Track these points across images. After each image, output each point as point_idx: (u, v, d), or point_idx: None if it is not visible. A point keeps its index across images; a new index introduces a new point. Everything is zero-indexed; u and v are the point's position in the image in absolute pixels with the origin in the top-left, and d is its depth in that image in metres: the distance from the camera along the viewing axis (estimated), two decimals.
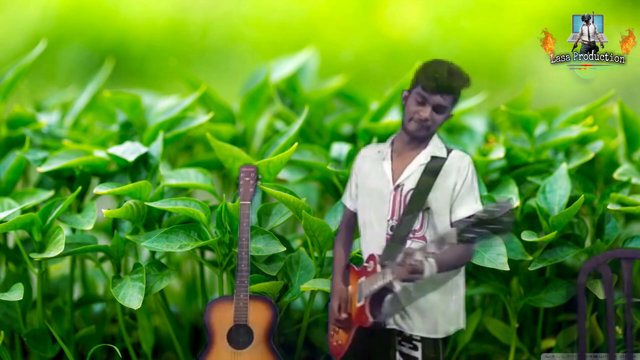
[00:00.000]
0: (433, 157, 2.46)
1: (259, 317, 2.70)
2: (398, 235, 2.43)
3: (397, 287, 2.39)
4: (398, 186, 2.46)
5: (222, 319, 2.70)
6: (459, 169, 2.45)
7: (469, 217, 2.39)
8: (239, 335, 2.70)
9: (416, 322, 2.46)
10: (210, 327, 2.70)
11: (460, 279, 2.48)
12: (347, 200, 2.59)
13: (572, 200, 2.81)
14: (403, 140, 2.48)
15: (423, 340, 2.45)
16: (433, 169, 2.43)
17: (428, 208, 2.44)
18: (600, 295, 2.72)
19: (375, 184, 2.49)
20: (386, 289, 2.39)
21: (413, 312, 2.45)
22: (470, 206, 2.44)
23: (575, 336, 2.89)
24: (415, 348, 2.44)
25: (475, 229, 2.27)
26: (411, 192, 2.43)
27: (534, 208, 2.87)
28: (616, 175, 2.94)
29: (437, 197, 2.44)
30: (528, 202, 2.91)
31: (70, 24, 6.41)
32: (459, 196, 2.44)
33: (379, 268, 2.42)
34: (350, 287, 2.53)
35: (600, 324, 2.94)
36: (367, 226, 2.51)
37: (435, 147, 2.47)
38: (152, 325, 2.95)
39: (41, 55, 3.28)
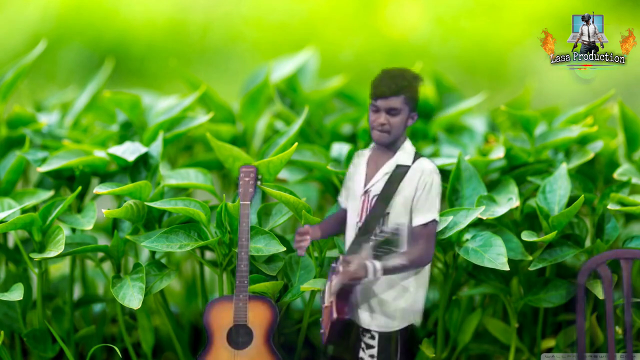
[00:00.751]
0: (398, 166, 2.58)
1: (258, 317, 2.70)
2: (358, 239, 2.57)
3: (357, 286, 2.55)
4: (366, 191, 2.60)
5: (221, 319, 2.70)
6: (420, 178, 2.57)
7: (425, 224, 2.57)
8: (239, 335, 2.70)
9: (371, 318, 2.61)
10: (210, 327, 2.70)
11: (414, 279, 2.61)
12: (340, 198, 2.72)
13: (572, 200, 2.81)
14: (379, 148, 2.63)
15: (378, 332, 2.61)
16: (397, 177, 2.56)
17: (388, 213, 2.57)
18: (600, 295, 2.72)
19: (354, 188, 2.63)
20: (347, 288, 2.53)
21: (366, 309, 2.61)
22: (426, 215, 2.56)
23: (575, 336, 2.89)
24: (372, 338, 2.61)
25: (379, 248, 2.50)
26: (375, 198, 2.57)
27: (534, 208, 2.87)
28: (616, 175, 2.94)
29: (398, 203, 2.57)
30: (528, 202, 2.92)
31: (70, 24, 6.41)
32: (419, 204, 2.57)
33: (341, 269, 2.54)
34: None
35: (600, 324, 2.94)
36: (347, 227, 2.65)
37: (403, 154, 2.59)
38: (152, 325, 2.95)
39: (41, 55, 3.28)
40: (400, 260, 2.52)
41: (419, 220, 2.57)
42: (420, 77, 2.59)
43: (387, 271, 2.52)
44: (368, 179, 2.61)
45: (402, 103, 2.57)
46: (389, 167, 2.59)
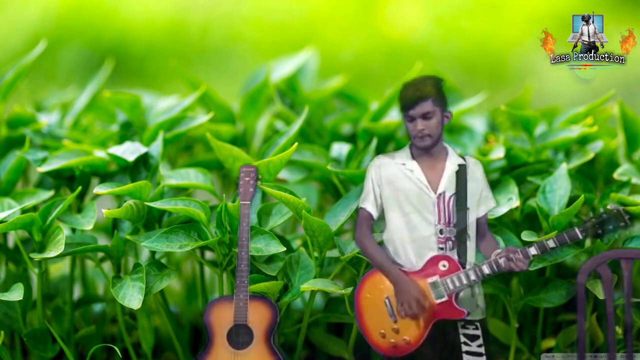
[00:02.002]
0: (459, 165, 2.71)
1: (259, 317, 2.70)
2: (461, 236, 2.68)
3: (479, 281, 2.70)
4: (440, 194, 2.68)
5: (222, 319, 2.70)
6: (479, 173, 2.74)
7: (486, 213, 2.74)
8: (239, 335, 2.70)
9: (476, 309, 2.71)
10: (210, 327, 2.70)
11: None
12: (370, 206, 2.73)
13: (572, 200, 2.81)
14: (420, 152, 2.72)
15: (480, 320, 2.71)
16: (462, 175, 2.70)
17: (468, 208, 2.71)
18: (600, 295, 2.72)
19: (414, 193, 2.69)
20: (469, 285, 2.68)
21: (473, 301, 2.72)
22: (491, 202, 2.76)
23: (575, 336, 2.89)
24: (477, 328, 2.70)
25: (603, 227, 2.70)
26: (454, 197, 2.69)
27: (534, 208, 2.87)
28: (616, 175, 2.94)
29: (472, 198, 2.72)
30: (528, 202, 2.91)
31: (70, 24, 6.41)
32: (482, 196, 2.74)
33: (459, 266, 2.66)
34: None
35: (600, 324, 2.94)
36: (409, 231, 2.68)
37: (454, 154, 2.72)
38: (152, 325, 2.95)
39: (41, 55, 3.28)
40: (527, 246, 2.69)
41: (484, 209, 2.74)
42: (440, 78, 2.73)
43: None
44: (433, 182, 2.69)
45: (432, 105, 2.68)
46: (452, 167, 2.71)
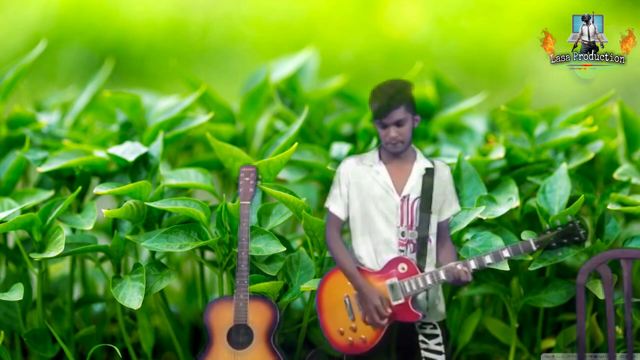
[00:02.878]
0: (426, 169, 2.71)
1: (259, 317, 2.70)
2: (422, 239, 2.68)
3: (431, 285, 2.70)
4: (404, 197, 2.68)
5: (222, 319, 2.70)
6: (446, 178, 2.74)
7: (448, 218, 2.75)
8: (239, 335, 2.70)
9: (433, 312, 2.73)
10: (210, 327, 2.70)
11: None
12: (338, 208, 2.73)
13: (572, 200, 2.81)
14: (389, 154, 2.72)
15: (438, 321, 2.74)
16: (429, 179, 2.70)
17: (431, 212, 2.71)
18: (600, 295, 2.72)
19: (379, 195, 2.70)
20: (426, 289, 2.68)
21: (430, 304, 2.73)
22: (454, 207, 2.76)
23: (575, 336, 2.89)
24: (435, 327, 2.72)
25: (556, 240, 2.72)
26: (418, 201, 2.69)
27: (534, 208, 2.87)
28: (616, 175, 2.94)
29: (436, 202, 2.72)
30: (528, 202, 2.91)
31: (70, 24, 6.41)
32: (447, 200, 2.74)
33: (418, 270, 2.67)
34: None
35: (600, 324, 2.94)
36: (372, 233, 2.70)
37: (421, 158, 2.73)
38: (152, 325, 2.95)
39: (41, 55, 3.28)
40: (482, 255, 2.69)
41: (447, 214, 2.74)
42: (409, 83, 2.71)
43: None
44: (398, 185, 2.69)
45: (404, 112, 2.68)
46: (419, 171, 2.71)
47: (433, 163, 2.72)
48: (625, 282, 2.70)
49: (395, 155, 2.70)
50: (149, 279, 2.79)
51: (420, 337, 2.71)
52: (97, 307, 3.29)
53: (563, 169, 2.88)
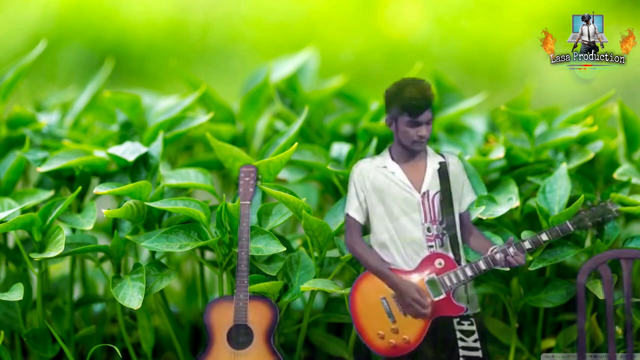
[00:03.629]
0: (440, 163, 2.71)
1: (259, 317, 2.70)
2: (451, 233, 2.70)
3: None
4: (424, 193, 2.68)
5: (222, 319, 2.70)
6: (459, 168, 2.74)
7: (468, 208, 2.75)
8: (239, 335, 2.70)
9: (471, 304, 2.72)
10: (210, 327, 2.70)
11: None
12: (356, 213, 2.72)
13: (572, 200, 2.81)
14: (403, 153, 2.71)
15: (474, 315, 2.72)
16: (444, 172, 2.71)
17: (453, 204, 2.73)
18: (600, 295, 2.72)
19: (399, 194, 2.69)
20: (465, 282, 2.69)
21: (470, 296, 2.74)
22: (471, 197, 2.76)
23: (575, 336, 2.89)
24: (472, 324, 2.71)
25: (592, 219, 2.71)
26: (438, 195, 2.70)
27: (534, 208, 2.87)
28: (616, 175, 2.94)
29: (456, 194, 2.73)
30: (528, 202, 2.91)
31: (70, 24, 6.41)
32: (464, 190, 2.74)
33: (455, 264, 2.67)
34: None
35: (600, 324, 2.94)
36: (398, 233, 2.69)
37: (434, 154, 2.73)
38: (152, 325, 2.95)
39: (41, 55, 3.28)
40: (520, 240, 2.69)
41: (466, 204, 2.75)
42: (427, 81, 2.71)
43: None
44: (416, 182, 2.69)
45: (431, 111, 2.69)
46: (433, 165, 2.71)
47: (443, 156, 2.73)
48: (625, 282, 2.70)
49: (408, 154, 2.70)
50: (149, 279, 2.79)
51: (458, 335, 2.69)
52: (97, 307, 3.29)
53: (563, 169, 2.88)
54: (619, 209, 2.71)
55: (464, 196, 2.74)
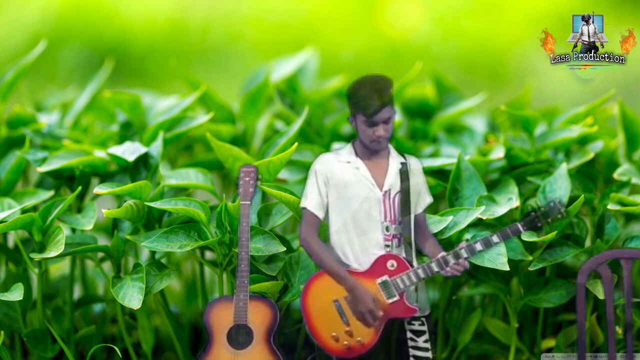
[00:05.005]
0: (402, 163, 2.70)
1: (259, 317, 2.70)
2: (405, 234, 2.67)
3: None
4: (386, 192, 2.66)
5: (222, 319, 2.70)
6: (418, 169, 2.72)
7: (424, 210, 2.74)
8: (239, 335, 2.70)
9: (422, 304, 2.69)
10: (210, 327, 2.70)
11: None
12: (316, 207, 2.69)
13: (572, 200, 2.81)
14: (365, 150, 2.69)
15: (426, 316, 2.70)
16: (404, 173, 2.69)
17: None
18: (600, 295, 2.72)
19: (361, 191, 2.67)
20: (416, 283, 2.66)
21: (420, 297, 2.70)
22: (428, 199, 2.73)
23: (575, 336, 2.89)
24: (423, 324, 2.69)
25: (541, 219, 2.67)
26: (399, 195, 2.67)
27: (534, 208, 2.86)
28: (616, 175, 2.94)
29: (415, 194, 2.71)
30: (528, 202, 2.91)
31: (70, 24, 6.41)
32: (421, 193, 2.72)
33: (408, 265, 2.64)
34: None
35: (600, 324, 2.94)
36: (356, 230, 2.66)
37: (396, 154, 2.71)
38: (152, 325, 2.95)
39: (41, 55, 3.28)
40: (472, 242, 2.66)
41: (423, 205, 2.73)
42: (389, 78, 2.67)
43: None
44: (379, 180, 2.67)
45: (390, 109, 2.66)
46: (395, 165, 2.69)
47: (404, 157, 2.71)
48: (625, 282, 2.70)
49: (370, 152, 2.68)
50: (149, 279, 2.79)
51: (409, 335, 2.68)
52: (97, 307, 3.29)
53: (563, 169, 2.88)
54: (567, 209, 2.69)
55: (421, 199, 2.71)
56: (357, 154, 2.69)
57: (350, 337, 2.64)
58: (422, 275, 2.63)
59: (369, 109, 2.63)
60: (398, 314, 2.64)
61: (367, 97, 2.63)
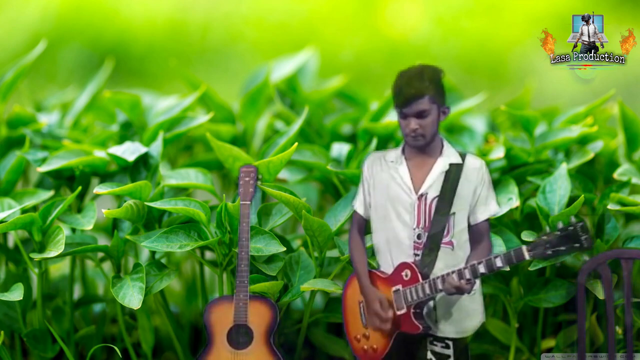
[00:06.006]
0: (451, 164, 2.53)
1: (258, 317, 2.70)
2: (432, 243, 2.52)
3: (438, 295, 2.51)
4: (422, 195, 2.53)
5: (222, 319, 2.70)
6: (478, 173, 2.55)
7: (488, 219, 2.56)
8: (239, 335, 2.70)
9: (447, 326, 2.55)
10: (210, 327, 2.70)
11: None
12: (360, 207, 2.63)
13: (572, 200, 2.81)
14: (413, 150, 2.55)
15: (455, 339, 2.55)
16: (453, 176, 2.52)
17: (453, 213, 2.52)
18: (600, 295, 2.72)
19: (396, 193, 2.55)
20: (430, 298, 2.50)
21: (443, 316, 2.55)
22: (491, 209, 2.57)
23: (575, 336, 2.89)
24: (447, 347, 2.54)
25: (553, 247, 2.43)
26: (436, 200, 2.51)
27: (534, 208, 2.87)
28: (616, 175, 2.94)
29: (460, 202, 2.53)
30: (528, 202, 2.91)
31: (70, 24, 6.41)
32: (479, 200, 2.55)
33: (419, 277, 2.51)
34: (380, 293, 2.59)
35: (600, 324, 2.94)
36: (388, 234, 2.57)
37: (450, 152, 2.55)
38: (152, 325, 2.95)
39: (41, 55, 3.28)
40: (476, 262, 2.48)
41: (483, 215, 2.56)
42: (439, 70, 2.52)
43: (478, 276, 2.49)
44: (417, 183, 2.54)
45: (428, 103, 2.51)
46: (441, 167, 2.54)
47: (463, 158, 2.54)
48: (625, 282, 2.70)
49: (419, 150, 2.53)
50: (149, 279, 2.79)
51: (429, 355, 2.55)
52: (97, 307, 3.29)
53: (563, 169, 2.88)
54: (589, 237, 2.42)
55: (479, 206, 2.55)
56: (403, 153, 2.56)
57: (367, 341, 2.61)
58: (427, 290, 2.49)
59: (397, 100, 2.49)
60: (405, 328, 2.53)
61: (400, 85, 2.49)
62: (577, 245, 2.43)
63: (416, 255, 2.53)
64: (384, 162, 2.59)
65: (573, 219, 2.46)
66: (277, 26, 6.41)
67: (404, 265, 2.54)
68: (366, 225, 2.64)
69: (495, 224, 2.84)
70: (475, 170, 2.54)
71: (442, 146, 2.56)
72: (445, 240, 2.54)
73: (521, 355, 2.98)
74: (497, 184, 2.95)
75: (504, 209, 2.80)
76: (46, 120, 3.26)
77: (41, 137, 3.16)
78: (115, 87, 3.39)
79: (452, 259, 2.53)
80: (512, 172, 3.00)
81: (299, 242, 3.01)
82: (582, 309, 2.70)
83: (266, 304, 2.71)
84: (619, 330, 2.81)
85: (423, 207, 2.53)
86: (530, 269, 2.76)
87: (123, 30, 6.37)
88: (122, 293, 2.74)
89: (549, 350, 3.02)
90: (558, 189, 2.86)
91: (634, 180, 2.92)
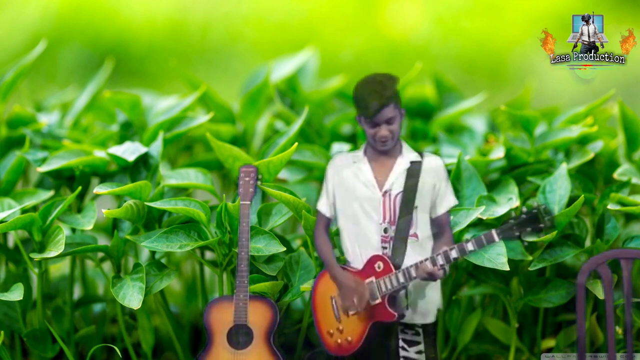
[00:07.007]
0: (412, 162, 2.65)
1: (258, 317, 2.70)
2: (400, 236, 2.63)
3: (410, 283, 2.62)
4: (386, 192, 2.64)
5: (222, 319, 2.70)
6: (436, 170, 2.67)
7: (448, 210, 2.69)
8: (239, 335, 2.70)
9: (415, 313, 2.66)
10: (210, 327, 2.70)
11: None
12: (324, 207, 2.71)
13: (572, 200, 2.81)
14: (374, 151, 2.67)
15: (423, 325, 2.67)
16: (414, 173, 2.64)
17: (416, 207, 2.64)
18: (600, 295, 2.72)
19: (361, 192, 2.66)
20: (403, 287, 2.61)
21: (412, 304, 2.66)
22: (449, 201, 2.69)
23: (575, 336, 2.89)
24: (417, 334, 2.66)
25: (519, 228, 2.57)
26: (400, 195, 2.63)
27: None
28: (616, 175, 2.94)
29: (421, 197, 2.65)
30: (528, 202, 2.91)
31: (70, 24, 6.41)
32: (439, 194, 2.67)
33: (392, 267, 2.60)
34: None
35: (600, 324, 2.94)
36: (355, 230, 2.66)
37: (408, 152, 2.67)
38: (152, 325, 2.95)
39: (41, 55, 3.28)
40: (448, 249, 2.59)
41: (443, 208, 2.68)
42: (394, 77, 2.64)
43: (449, 263, 2.61)
44: (381, 180, 2.65)
45: (394, 109, 2.63)
46: (403, 165, 2.65)
47: (422, 156, 2.67)
48: (625, 282, 2.70)
49: (378, 151, 2.65)
50: (149, 279, 2.79)
51: (400, 343, 2.66)
52: (97, 307, 3.29)
53: (563, 169, 2.88)
54: (552, 218, 2.58)
55: (439, 200, 2.67)
56: (365, 154, 2.67)
57: (340, 334, 2.66)
58: (401, 279, 2.59)
59: (368, 110, 2.61)
60: (381, 318, 2.61)
61: (367, 97, 2.61)
62: (541, 225, 2.56)
63: (384, 248, 2.64)
64: (347, 163, 2.68)
65: (535, 203, 2.63)
66: (277, 26, 6.40)
67: (376, 258, 2.63)
68: (330, 224, 2.72)
69: (495, 224, 2.84)
70: (433, 168, 2.66)
71: (402, 147, 2.67)
72: (411, 232, 2.64)
73: (521, 355, 2.98)
74: (497, 184, 2.95)
75: (504, 209, 2.80)
76: (46, 120, 3.26)
77: (41, 137, 3.16)
78: (115, 87, 3.39)
79: (419, 249, 2.64)
80: (512, 172, 3.00)
81: (299, 242, 3.01)
82: (582, 309, 2.70)
83: (266, 304, 2.71)
84: (619, 330, 2.81)
85: (388, 203, 2.64)
86: (530, 269, 2.76)
87: (123, 30, 6.37)
88: (122, 293, 2.74)
89: (549, 350, 3.02)
90: (558, 188, 2.86)
91: (634, 180, 2.92)
